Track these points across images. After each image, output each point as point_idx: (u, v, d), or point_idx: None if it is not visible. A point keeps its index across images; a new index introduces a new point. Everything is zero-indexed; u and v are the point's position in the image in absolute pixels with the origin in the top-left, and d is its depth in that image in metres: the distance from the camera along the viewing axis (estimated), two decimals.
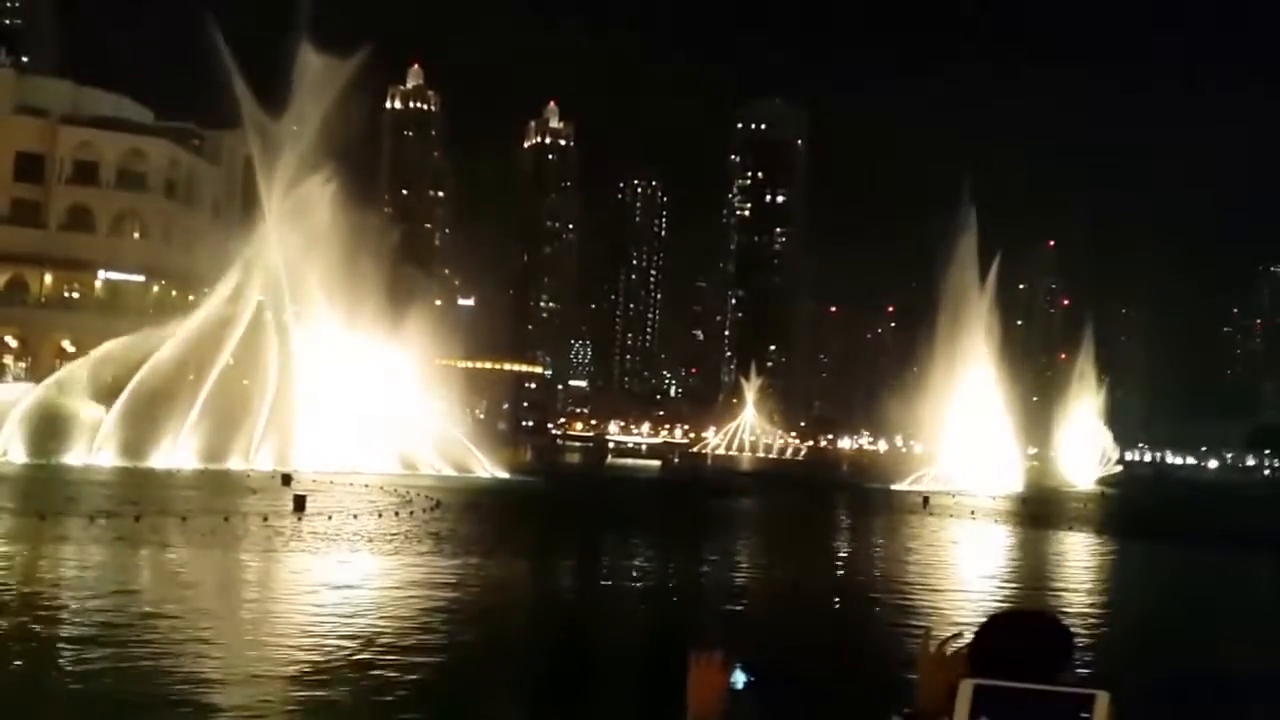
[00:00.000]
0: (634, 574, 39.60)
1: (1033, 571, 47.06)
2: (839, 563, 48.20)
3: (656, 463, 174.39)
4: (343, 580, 32.97)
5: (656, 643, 24.24)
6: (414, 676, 20.79)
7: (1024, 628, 3.63)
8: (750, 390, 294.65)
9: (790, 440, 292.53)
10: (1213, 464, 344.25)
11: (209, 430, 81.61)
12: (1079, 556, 55.31)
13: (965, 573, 45.35)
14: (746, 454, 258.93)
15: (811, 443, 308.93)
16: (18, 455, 76.44)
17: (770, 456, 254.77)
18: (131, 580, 31.80)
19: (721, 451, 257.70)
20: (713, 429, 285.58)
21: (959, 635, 3.82)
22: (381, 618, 27.02)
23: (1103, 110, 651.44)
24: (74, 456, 76.69)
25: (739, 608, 32.72)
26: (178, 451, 79.87)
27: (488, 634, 26.60)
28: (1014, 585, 40.98)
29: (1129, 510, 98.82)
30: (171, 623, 24.54)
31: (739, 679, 3.70)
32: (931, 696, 3.69)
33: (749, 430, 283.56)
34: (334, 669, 20.91)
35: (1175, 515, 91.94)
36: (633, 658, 23.32)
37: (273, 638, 23.86)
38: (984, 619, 3.74)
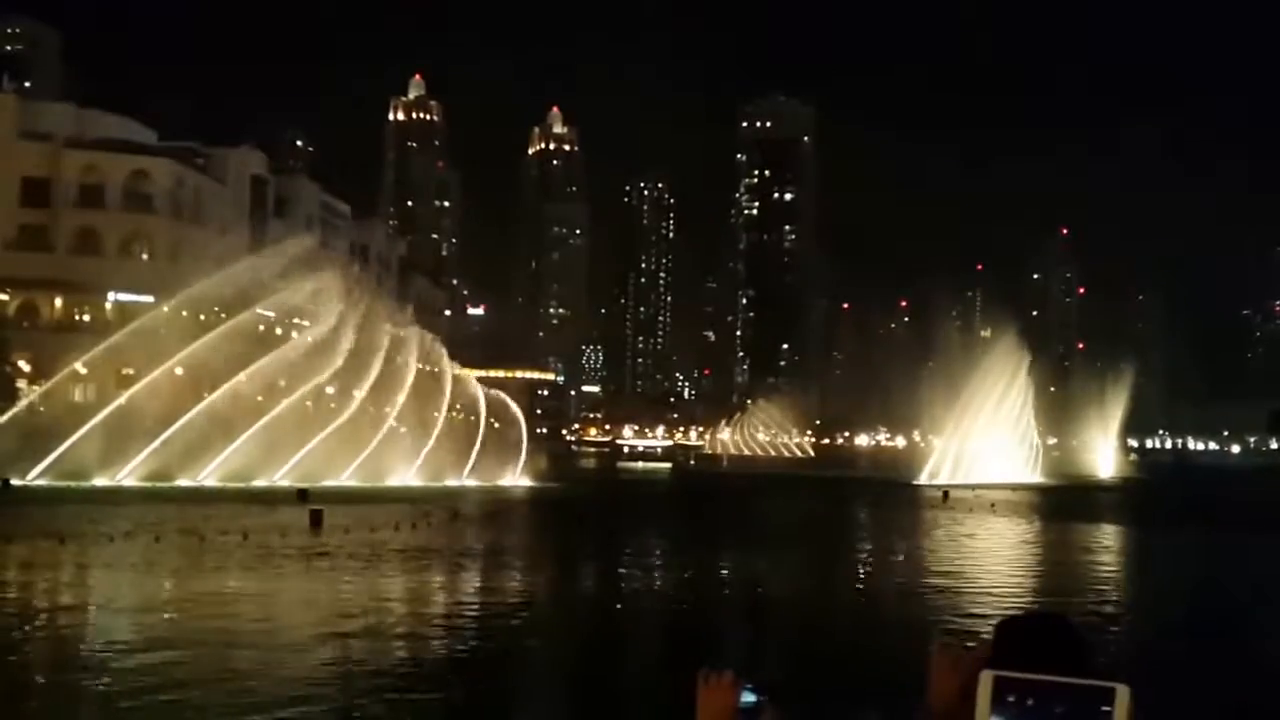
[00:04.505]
0: (668, 584, 39.15)
1: (1070, 570, 46.45)
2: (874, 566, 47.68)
3: (668, 465, 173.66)
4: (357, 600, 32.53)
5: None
6: None
7: (1043, 630, 3.57)
8: (764, 389, 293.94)
9: (805, 439, 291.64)
10: (1235, 449, 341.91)
11: (227, 448, 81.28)
12: (1121, 551, 54.72)
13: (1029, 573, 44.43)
14: (761, 453, 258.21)
15: (828, 440, 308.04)
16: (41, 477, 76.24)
17: (786, 455, 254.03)
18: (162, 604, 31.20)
19: (734, 452, 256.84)
20: (728, 430, 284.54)
21: (970, 638, 3.84)
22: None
23: (1109, 96, 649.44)
24: (97, 478, 76.40)
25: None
26: (197, 471, 79.56)
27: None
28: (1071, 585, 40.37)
29: (1158, 499, 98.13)
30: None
31: (748, 699, 3.64)
32: (941, 698, 3.70)
33: (764, 430, 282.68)
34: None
35: (1212, 503, 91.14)
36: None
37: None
38: (999, 622, 3.65)
